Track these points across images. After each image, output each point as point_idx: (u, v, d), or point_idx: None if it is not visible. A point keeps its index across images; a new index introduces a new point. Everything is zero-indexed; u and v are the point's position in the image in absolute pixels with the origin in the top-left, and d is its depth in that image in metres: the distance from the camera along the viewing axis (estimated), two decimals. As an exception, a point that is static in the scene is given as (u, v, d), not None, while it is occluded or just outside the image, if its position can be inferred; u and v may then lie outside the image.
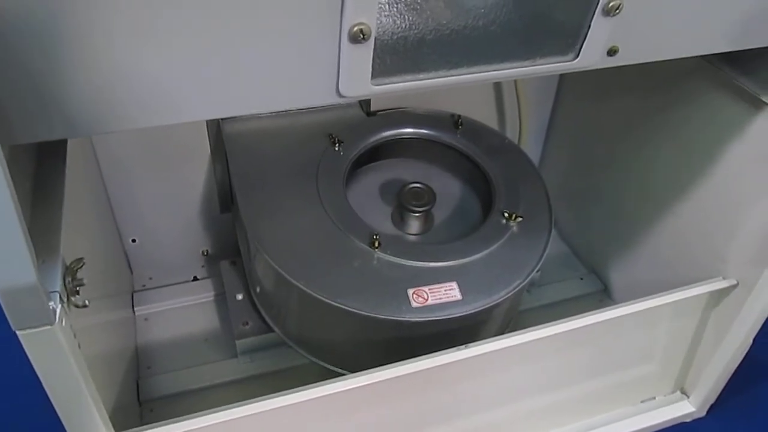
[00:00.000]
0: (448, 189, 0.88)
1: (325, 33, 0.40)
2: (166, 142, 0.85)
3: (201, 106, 0.42)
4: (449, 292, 0.71)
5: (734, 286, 0.74)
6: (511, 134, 1.02)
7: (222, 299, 0.94)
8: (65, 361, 0.43)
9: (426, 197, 0.80)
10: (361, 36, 0.40)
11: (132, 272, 0.96)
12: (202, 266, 0.98)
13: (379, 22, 0.41)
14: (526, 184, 0.82)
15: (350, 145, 0.84)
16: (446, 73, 0.46)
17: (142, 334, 0.89)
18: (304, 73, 0.42)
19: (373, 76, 0.44)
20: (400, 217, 0.82)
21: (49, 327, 0.41)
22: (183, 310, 0.93)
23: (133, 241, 0.93)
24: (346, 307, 0.68)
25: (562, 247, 1.06)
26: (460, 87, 0.47)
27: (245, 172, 0.80)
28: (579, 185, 1.01)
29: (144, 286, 0.95)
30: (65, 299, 0.44)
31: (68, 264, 0.45)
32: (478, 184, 0.86)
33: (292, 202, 0.76)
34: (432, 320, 0.69)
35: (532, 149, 1.06)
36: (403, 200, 0.79)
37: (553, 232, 1.07)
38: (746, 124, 0.69)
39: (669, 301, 0.73)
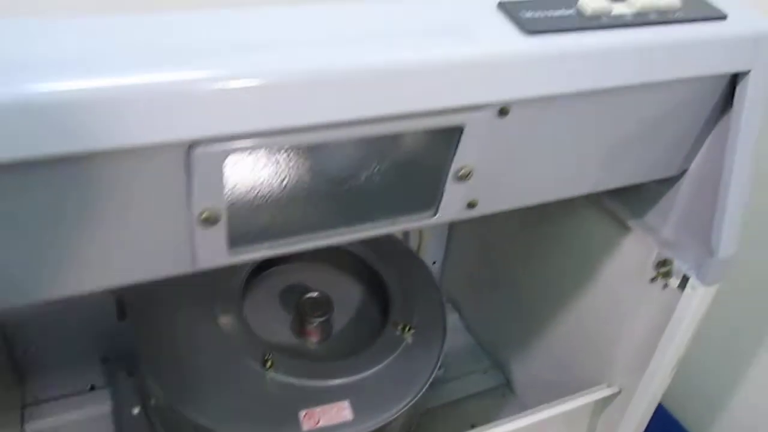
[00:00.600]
0: (348, 294, 0.89)
1: (176, 219, 0.41)
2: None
3: (63, 283, 0.42)
4: (341, 412, 0.71)
5: (617, 394, 0.77)
6: (413, 234, 1.04)
7: (120, 411, 0.91)
8: None
9: (324, 307, 0.80)
10: (211, 220, 0.41)
11: (22, 385, 0.92)
12: (101, 374, 0.95)
13: (229, 203, 0.42)
14: (421, 293, 0.84)
15: (248, 255, 0.84)
16: (307, 237, 0.48)
17: (32, 453, 0.86)
18: (160, 251, 0.43)
19: (231, 246, 0.44)
20: (299, 326, 0.82)
21: None
22: (77, 425, 0.89)
23: (24, 352, 0.89)
24: (232, 436, 0.67)
25: (467, 338, 1.08)
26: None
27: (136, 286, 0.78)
28: (483, 279, 1.04)
29: (36, 398, 0.91)
30: None
31: None
32: (376, 289, 0.88)
33: (185, 316, 0.76)
34: (322, 444, 0.69)
35: (436, 239, 1.08)
36: (301, 309, 0.80)
37: (460, 322, 1.10)
38: (616, 242, 0.73)
39: (558, 412, 0.75)
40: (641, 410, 0.75)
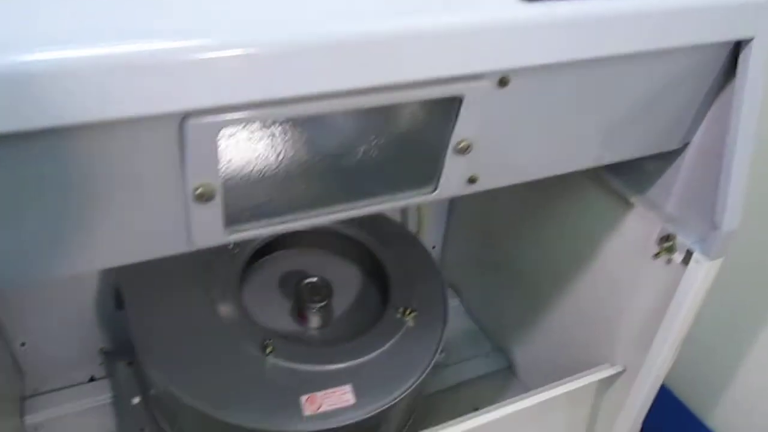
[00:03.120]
0: (348, 280, 0.88)
1: (171, 196, 0.40)
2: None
3: (57, 264, 0.41)
4: (343, 396, 0.70)
5: (621, 373, 0.76)
6: (412, 219, 1.03)
7: (120, 400, 0.90)
8: None
9: (323, 292, 0.79)
10: (205, 197, 0.40)
11: (23, 377, 0.91)
12: (100, 364, 0.95)
13: (224, 179, 0.41)
14: (421, 276, 0.83)
15: (245, 240, 0.83)
16: (305, 215, 0.47)
17: (32, 444, 0.85)
18: (155, 230, 0.42)
19: (227, 224, 0.43)
20: (298, 312, 0.81)
21: None
22: (78, 416, 0.88)
23: (23, 344, 0.88)
24: (233, 421, 0.66)
25: (469, 323, 1.07)
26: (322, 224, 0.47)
27: (132, 271, 0.78)
28: (483, 263, 1.03)
29: (36, 390, 0.91)
30: None
31: None
32: (376, 274, 0.87)
33: (181, 304, 0.75)
34: (325, 430, 0.68)
35: (435, 227, 1.08)
36: (301, 295, 0.79)
37: (461, 307, 1.09)
38: (618, 219, 0.72)
39: (561, 393, 0.74)
40: (646, 389, 0.75)
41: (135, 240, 0.42)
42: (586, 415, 0.80)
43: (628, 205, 0.70)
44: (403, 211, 1.03)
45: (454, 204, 1.06)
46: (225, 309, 0.75)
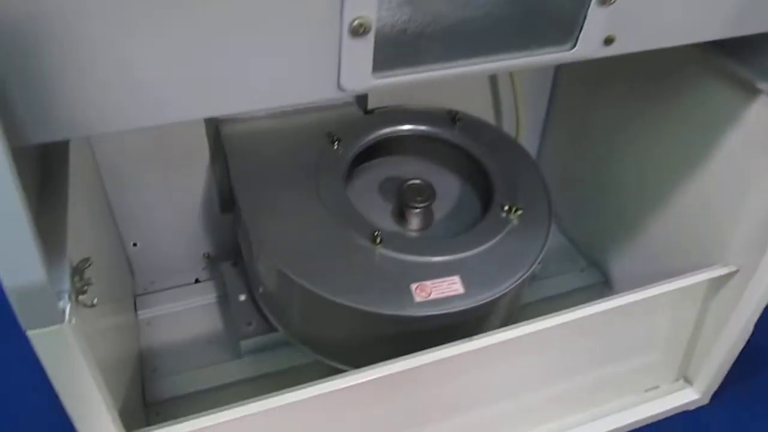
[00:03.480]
0: (447, 185, 0.88)
1: (325, 28, 0.41)
2: (166, 146, 0.86)
3: (201, 104, 0.42)
4: (452, 286, 0.71)
5: (734, 273, 0.75)
6: (508, 129, 1.02)
7: (224, 301, 0.94)
8: (75, 360, 0.44)
9: (426, 193, 0.80)
10: (362, 30, 0.41)
11: (134, 276, 0.96)
12: (204, 268, 0.99)
13: (378, 15, 0.42)
14: (524, 177, 0.83)
15: (348, 143, 0.84)
16: (445, 65, 0.47)
17: (145, 337, 0.90)
18: (305, 68, 0.43)
19: (374, 69, 0.44)
20: (400, 214, 0.82)
21: (59, 326, 0.42)
22: (185, 313, 0.93)
23: (135, 245, 0.93)
24: (350, 304, 0.68)
25: (561, 240, 1.06)
26: (458, 80, 0.47)
27: (245, 173, 0.80)
28: (577, 177, 1.02)
29: (146, 290, 0.95)
30: (74, 298, 0.44)
31: (75, 264, 0.46)
32: (476, 179, 0.87)
33: (292, 201, 0.77)
34: (436, 315, 0.69)
35: (529, 142, 1.06)
36: (403, 196, 0.80)
37: (552, 224, 1.08)
38: (742, 111, 0.69)
39: (669, 290, 0.73)
40: (761, 291, 0.73)
41: (285, 81, 0.43)
42: (695, 316, 0.79)
43: (754, 93, 0.67)
44: (498, 121, 1.02)
45: (551, 113, 1.04)
46: (334, 205, 0.76)
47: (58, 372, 0.44)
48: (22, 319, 0.40)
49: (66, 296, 0.42)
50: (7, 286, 0.39)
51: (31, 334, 0.41)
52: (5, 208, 0.36)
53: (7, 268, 0.38)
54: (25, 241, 0.37)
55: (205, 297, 0.95)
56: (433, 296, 0.70)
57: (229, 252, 0.97)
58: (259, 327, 0.86)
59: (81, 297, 0.45)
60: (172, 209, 0.92)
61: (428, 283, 0.71)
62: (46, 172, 0.51)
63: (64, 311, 0.42)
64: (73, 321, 0.43)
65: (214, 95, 0.42)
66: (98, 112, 0.40)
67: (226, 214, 0.94)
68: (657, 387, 0.85)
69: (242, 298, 0.88)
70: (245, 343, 0.85)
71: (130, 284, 0.94)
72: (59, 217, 0.47)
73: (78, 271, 0.45)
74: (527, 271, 0.73)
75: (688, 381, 0.87)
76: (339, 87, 0.44)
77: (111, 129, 0.41)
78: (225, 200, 0.93)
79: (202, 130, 0.86)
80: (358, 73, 0.43)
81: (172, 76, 0.40)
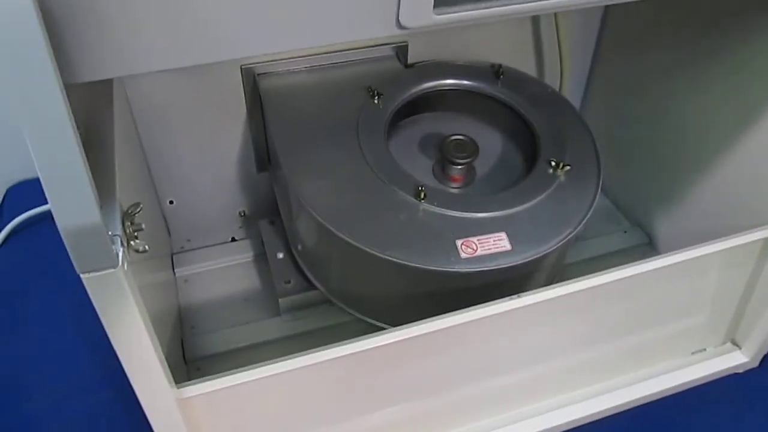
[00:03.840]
0: (489, 141, 0.86)
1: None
2: (202, 102, 0.84)
3: (256, 39, 0.40)
4: (498, 242, 0.69)
5: (792, 233, 0.72)
6: (550, 73, 0.99)
7: (260, 259, 0.94)
8: (128, 305, 0.43)
9: (469, 149, 0.78)
10: (427, -42, 0.38)
11: (170, 234, 0.95)
12: (240, 227, 0.98)
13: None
14: (571, 132, 0.80)
15: (389, 97, 0.82)
16: (507, 1, 0.44)
17: (183, 295, 0.89)
18: (364, 3, 0.41)
19: (436, 5, 0.42)
20: (441, 170, 0.80)
21: (112, 270, 0.41)
22: (223, 271, 0.93)
23: (171, 202, 0.92)
24: (395, 259, 0.67)
25: (603, 201, 1.04)
26: (521, 16, 0.45)
27: (284, 127, 0.78)
28: (621, 136, 0.99)
29: (182, 248, 0.95)
30: (126, 243, 0.43)
31: (126, 208, 0.45)
32: (520, 135, 0.84)
33: (333, 156, 0.75)
34: (482, 271, 0.67)
35: (572, 100, 1.03)
36: (446, 152, 0.78)
37: (601, 182, 1.06)
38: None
39: (720, 249, 0.70)
40: (819, 251, 0.70)
41: (342, 16, 0.41)
42: (746, 278, 0.76)
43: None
44: (541, 77, 0.99)
45: (595, 69, 1.01)
46: (375, 160, 0.74)
47: (111, 316, 0.43)
48: (76, 262, 0.40)
49: (119, 241, 0.41)
50: (62, 227, 0.38)
51: (85, 277, 0.40)
52: (61, 146, 0.35)
53: (62, 208, 0.37)
54: (80, 181, 0.36)
55: (243, 255, 0.94)
56: (479, 252, 0.68)
57: (265, 211, 0.96)
58: (297, 285, 0.85)
59: (132, 243, 0.44)
60: (208, 167, 0.91)
61: (474, 239, 0.69)
62: (90, 114, 0.50)
63: (117, 255, 0.41)
64: (126, 266, 0.42)
65: (272, 30, 0.40)
66: (155, 48, 0.38)
67: (262, 172, 0.93)
68: (704, 350, 0.83)
69: (280, 255, 0.88)
70: (284, 301, 0.85)
71: (167, 242, 0.93)
72: (108, 160, 0.45)
73: (129, 216, 0.44)
74: (575, 229, 0.71)
75: (737, 344, 0.84)
76: (398, 24, 0.42)
77: (167, 65, 0.39)
78: (261, 159, 0.92)
79: (239, 86, 0.84)
80: (419, 8, 0.41)
81: (226, 9, 0.38)
